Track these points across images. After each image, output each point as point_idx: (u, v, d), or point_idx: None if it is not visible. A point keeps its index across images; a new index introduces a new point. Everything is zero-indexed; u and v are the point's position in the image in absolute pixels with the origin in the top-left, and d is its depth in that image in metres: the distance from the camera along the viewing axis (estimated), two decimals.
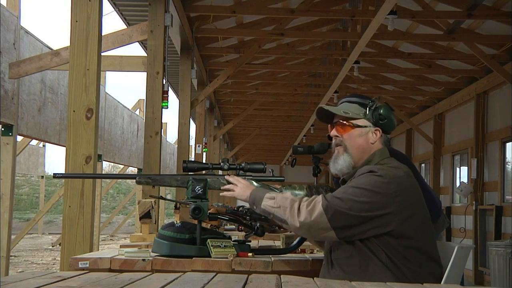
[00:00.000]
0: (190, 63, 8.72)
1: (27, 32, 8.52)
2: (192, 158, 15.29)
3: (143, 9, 7.81)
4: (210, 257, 2.74)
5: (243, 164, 2.90)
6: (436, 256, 2.52)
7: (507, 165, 10.25)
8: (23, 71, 7.30)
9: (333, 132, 2.67)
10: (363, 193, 2.42)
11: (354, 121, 2.63)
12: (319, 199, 2.46)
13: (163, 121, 6.39)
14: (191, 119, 9.94)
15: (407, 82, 12.37)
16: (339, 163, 2.64)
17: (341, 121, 2.65)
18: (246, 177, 2.89)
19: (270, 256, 2.90)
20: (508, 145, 10.15)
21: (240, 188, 2.72)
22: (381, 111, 2.63)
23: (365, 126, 2.63)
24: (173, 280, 1.96)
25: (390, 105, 2.70)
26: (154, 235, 3.09)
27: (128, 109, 15.60)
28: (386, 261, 2.41)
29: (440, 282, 2.48)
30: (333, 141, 2.69)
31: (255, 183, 2.87)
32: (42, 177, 21.89)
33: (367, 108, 2.64)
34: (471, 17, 7.69)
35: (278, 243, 3.37)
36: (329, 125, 2.73)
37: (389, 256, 2.41)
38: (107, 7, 11.17)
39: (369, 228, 2.41)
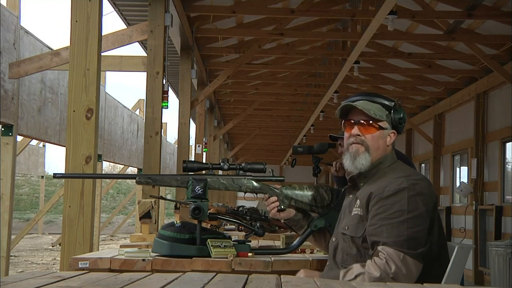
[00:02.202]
0: (190, 63, 8.72)
1: (27, 32, 8.51)
2: (192, 158, 15.29)
3: (143, 9, 7.81)
4: (210, 257, 2.74)
5: (243, 164, 2.90)
6: (445, 256, 2.54)
7: (507, 165, 10.25)
8: (23, 71, 7.30)
9: (355, 131, 2.58)
10: (418, 221, 2.38)
11: (378, 123, 2.59)
12: (400, 255, 2.32)
13: (163, 121, 6.39)
14: (191, 119, 9.94)
15: (407, 82, 12.37)
16: (360, 162, 2.56)
17: (363, 121, 2.59)
18: (246, 177, 2.89)
19: (270, 256, 2.90)
20: (508, 145, 10.15)
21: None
22: (402, 114, 2.62)
23: (386, 128, 2.61)
24: (173, 280, 1.96)
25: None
26: (154, 235, 3.09)
27: (128, 109, 15.60)
28: None
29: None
30: (351, 138, 2.60)
31: (254, 183, 2.87)
32: (42, 177, 21.86)
33: (391, 111, 2.62)
34: (471, 17, 7.69)
35: (278, 243, 3.37)
36: (344, 121, 2.65)
37: None
38: (107, 7, 11.17)
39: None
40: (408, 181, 2.44)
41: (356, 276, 2.34)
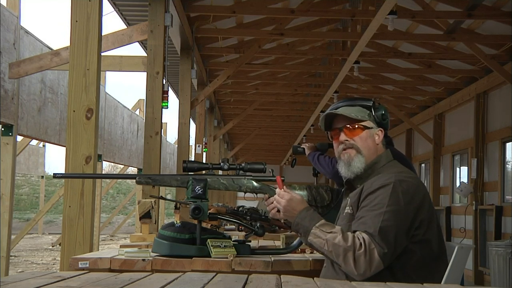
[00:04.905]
0: (190, 63, 8.72)
1: (27, 32, 8.51)
2: (192, 158, 15.28)
3: (143, 9, 7.82)
4: (210, 257, 2.74)
5: (243, 164, 2.90)
6: (444, 255, 2.54)
7: (507, 165, 10.25)
8: (23, 71, 7.30)
9: (343, 137, 2.62)
10: (393, 216, 2.37)
11: (362, 123, 2.63)
12: (372, 245, 2.33)
13: (163, 121, 6.39)
14: (191, 119, 9.94)
15: (407, 82, 12.37)
16: (355, 165, 2.59)
17: (348, 125, 2.62)
18: (246, 177, 2.89)
19: (270, 256, 2.90)
20: (508, 145, 10.15)
21: (285, 207, 2.55)
22: (383, 111, 2.69)
23: (371, 128, 2.64)
24: (173, 280, 1.96)
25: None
26: (154, 235, 3.09)
27: (128, 109, 15.60)
28: (395, 270, 2.41)
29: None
30: (341, 146, 2.64)
31: (254, 183, 2.87)
32: (42, 177, 21.86)
33: (371, 109, 2.69)
34: (471, 17, 7.69)
35: (278, 243, 3.37)
36: (329, 133, 2.71)
37: (400, 265, 2.41)
38: (107, 7, 11.16)
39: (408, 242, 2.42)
40: (396, 177, 2.47)
41: (332, 232, 2.38)
